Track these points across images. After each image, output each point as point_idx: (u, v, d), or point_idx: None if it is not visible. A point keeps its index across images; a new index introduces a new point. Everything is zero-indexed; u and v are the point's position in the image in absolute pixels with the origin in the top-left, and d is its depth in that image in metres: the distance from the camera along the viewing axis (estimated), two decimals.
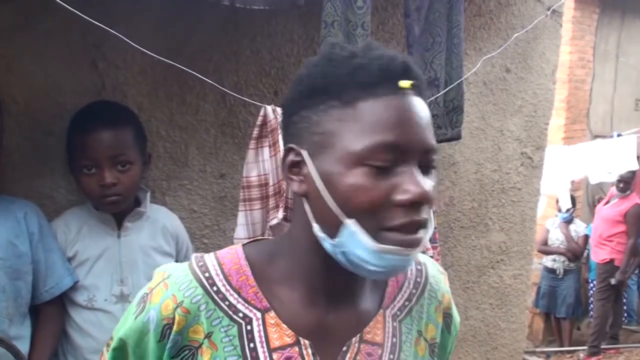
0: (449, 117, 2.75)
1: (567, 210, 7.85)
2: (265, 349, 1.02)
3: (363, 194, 0.94)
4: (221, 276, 1.06)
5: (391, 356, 1.07)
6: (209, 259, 1.09)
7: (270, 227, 2.23)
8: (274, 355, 1.01)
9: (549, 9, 3.44)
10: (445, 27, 2.66)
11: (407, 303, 1.13)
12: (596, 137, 9.24)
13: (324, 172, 0.97)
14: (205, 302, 1.04)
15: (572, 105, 9.21)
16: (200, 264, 1.08)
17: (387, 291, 1.12)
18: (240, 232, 2.25)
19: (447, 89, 2.69)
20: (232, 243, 2.31)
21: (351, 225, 0.95)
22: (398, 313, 1.12)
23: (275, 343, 1.02)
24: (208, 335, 1.03)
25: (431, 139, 0.98)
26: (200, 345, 1.03)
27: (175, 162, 2.42)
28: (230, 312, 1.04)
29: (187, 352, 1.04)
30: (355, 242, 0.95)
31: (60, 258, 2.06)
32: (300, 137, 1.01)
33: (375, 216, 0.95)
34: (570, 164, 7.72)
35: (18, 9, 2.01)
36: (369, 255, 0.95)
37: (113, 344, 1.10)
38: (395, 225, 0.95)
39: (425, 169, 0.98)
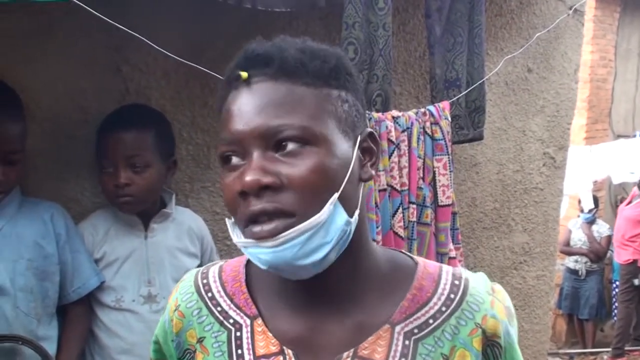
0: (470, 117, 2.75)
1: (590, 211, 7.79)
2: (251, 356, 1.00)
3: (225, 192, 0.96)
4: (218, 283, 1.08)
5: None
6: (214, 266, 1.12)
7: None
8: None
9: (570, 8, 3.42)
10: (467, 27, 2.65)
11: (431, 321, 0.99)
12: (618, 136, 9.18)
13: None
14: (199, 308, 1.07)
15: (594, 105, 9.14)
16: (204, 271, 1.12)
17: (402, 305, 1.00)
18: None
19: (468, 90, 2.69)
20: None
21: (229, 225, 0.98)
22: (415, 331, 0.98)
23: (261, 351, 1.00)
24: (200, 340, 1.05)
25: (270, 119, 0.91)
26: (195, 350, 1.06)
27: (198, 165, 2.43)
28: (222, 318, 1.05)
29: (188, 355, 1.08)
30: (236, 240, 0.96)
31: (87, 259, 2.08)
32: None
33: (236, 213, 0.94)
34: (593, 164, 7.66)
35: (41, 13, 2.03)
36: (248, 254, 0.95)
37: (153, 338, 1.15)
38: (245, 221, 0.92)
39: (292, 150, 0.91)
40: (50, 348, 1.96)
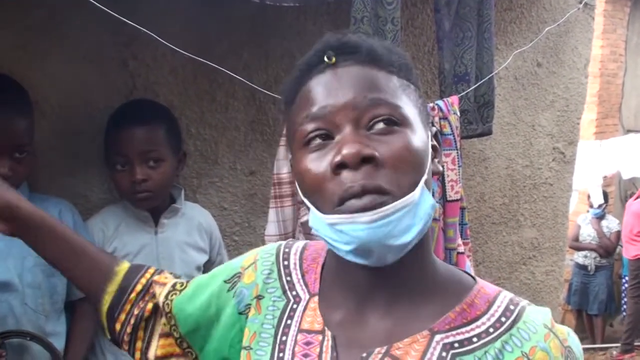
0: (479, 112, 2.74)
1: (599, 206, 7.76)
2: (296, 328, 1.03)
3: (308, 175, 0.93)
4: (297, 256, 1.13)
5: None
6: (300, 242, 1.17)
7: (301, 223, 2.23)
8: (299, 336, 1.02)
9: (580, 2, 3.40)
10: (476, 22, 2.64)
11: (475, 339, 0.94)
12: (628, 131, 9.13)
13: (294, 164, 0.99)
14: (270, 270, 1.12)
15: (604, 100, 9.10)
16: (289, 243, 1.17)
17: (448, 316, 0.96)
18: (271, 229, 2.25)
19: (477, 84, 2.67)
20: (263, 240, 2.32)
21: (311, 207, 0.95)
22: (456, 345, 0.94)
23: (306, 326, 1.03)
24: (259, 297, 1.10)
25: (362, 95, 0.92)
26: (251, 305, 1.11)
27: (206, 160, 2.42)
28: (287, 288, 1.09)
29: (248, 310, 1.11)
30: (318, 221, 0.94)
31: None
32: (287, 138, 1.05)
33: (325, 193, 0.91)
34: (602, 159, 7.63)
35: (49, 9, 2.03)
36: (330, 232, 0.92)
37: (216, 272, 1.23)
38: (340, 197, 0.90)
39: (383, 128, 0.92)
40: (59, 344, 1.96)
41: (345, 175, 0.89)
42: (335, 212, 0.90)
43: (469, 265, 2.64)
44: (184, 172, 2.34)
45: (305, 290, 1.07)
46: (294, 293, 1.08)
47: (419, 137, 0.94)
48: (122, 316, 1.23)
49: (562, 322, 7.63)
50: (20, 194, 1.22)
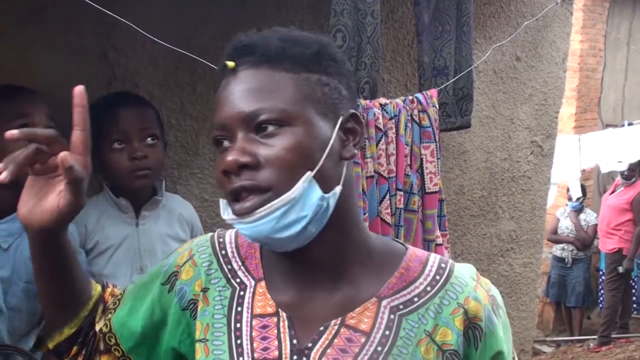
0: (458, 105, 2.76)
1: (577, 199, 7.83)
2: (249, 314, 1.08)
3: (217, 173, 1.02)
4: (233, 244, 1.16)
5: (379, 348, 1.02)
6: (231, 230, 1.19)
7: None
8: (254, 321, 1.07)
9: None
10: (455, 15, 2.66)
11: (416, 299, 1.06)
12: (607, 126, 9.21)
13: None
14: (210, 261, 1.15)
15: (583, 94, 9.16)
16: (221, 232, 1.20)
17: (390, 282, 1.07)
18: None
19: (456, 78, 2.70)
20: None
21: (222, 204, 1.04)
22: (401, 307, 1.05)
23: (258, 310, 1.07)
24: (204, 290, 1.13)
25: (250, 103, 0.99)
26: (198, 298, 1.13)
27: (187, 151, 2.43)
28: (230, 276, 1.12)
29: (192, 305, 1.14)
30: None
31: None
32: None
33: (224, 191, 1.02)
34: (581, 153, 7.69)
35: (29, 1, 2.02)
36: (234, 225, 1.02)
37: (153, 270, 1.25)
38: (228, 197, 1.01)
39: (271, 131, 0.98)
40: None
41: (231, 178, 0.99)
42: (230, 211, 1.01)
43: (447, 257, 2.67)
44: (164, 163, 2.34)
45: (249, 277, 1.11)
46: (237, 280, 1.12)
47: (313, 131, 1.00)
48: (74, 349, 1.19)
49: (541, 314, 7.72)
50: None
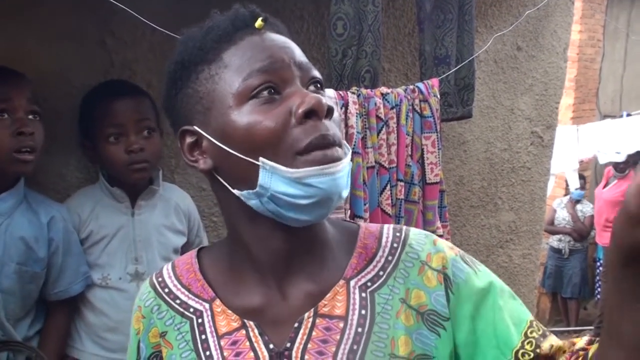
0: (459, 95, 2.74)
1: (577, 189, 7.84)
2: (215, 337, 1.01)
3: (261, 127, 0.92)
4: (173, 277, 1.10)
5: (359, 329, 0.98)
6: (166, 266, 1.14)
7: None
8: (222, 342, 1.01)
9: None
10: (457, 4, 2.63)
11: (381, 273, 1.03)
12: (605, 116, 9.19)
13: (218, 128, 0.96)
14: (158, 305, 1.09)
15: (582, 85, 9.14)
16: (157, 272, 1.13)
17: (351, 262, 1.03)
18: None
19: (458, 67, 2.67)
20: None
21: (265, 162, 0.92)
22: (369, 284, 1.02)
23: (223, 329, 1.01)
24: (162, 335, 1.07)
25: (300, 55, 0.98)
26: (160, 347, 1.07)
27: None
28: (182, 310, 1.06)
29: (155, 357, 1.09)
30: (275, 179, 0.92)
31: (77, 262, 2.05)
32: (185, 117, 1.02)
33: (282, 144, 0.92)
34: (579, 143, 7.69)
35: None
36: (293, 188, 0.91)
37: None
38: (306, 145, 0.91)
39: (315, 90, 0.97)
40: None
41: (312, 124, 0.92)
42: (299, 163, 0.91)
43: None
44: (161, 153, 2.31)
45: (201, 301, 1.05)
46: (191, 310, 1.05)
47: None
48: None
49: (537, 305, 7.72)
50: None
